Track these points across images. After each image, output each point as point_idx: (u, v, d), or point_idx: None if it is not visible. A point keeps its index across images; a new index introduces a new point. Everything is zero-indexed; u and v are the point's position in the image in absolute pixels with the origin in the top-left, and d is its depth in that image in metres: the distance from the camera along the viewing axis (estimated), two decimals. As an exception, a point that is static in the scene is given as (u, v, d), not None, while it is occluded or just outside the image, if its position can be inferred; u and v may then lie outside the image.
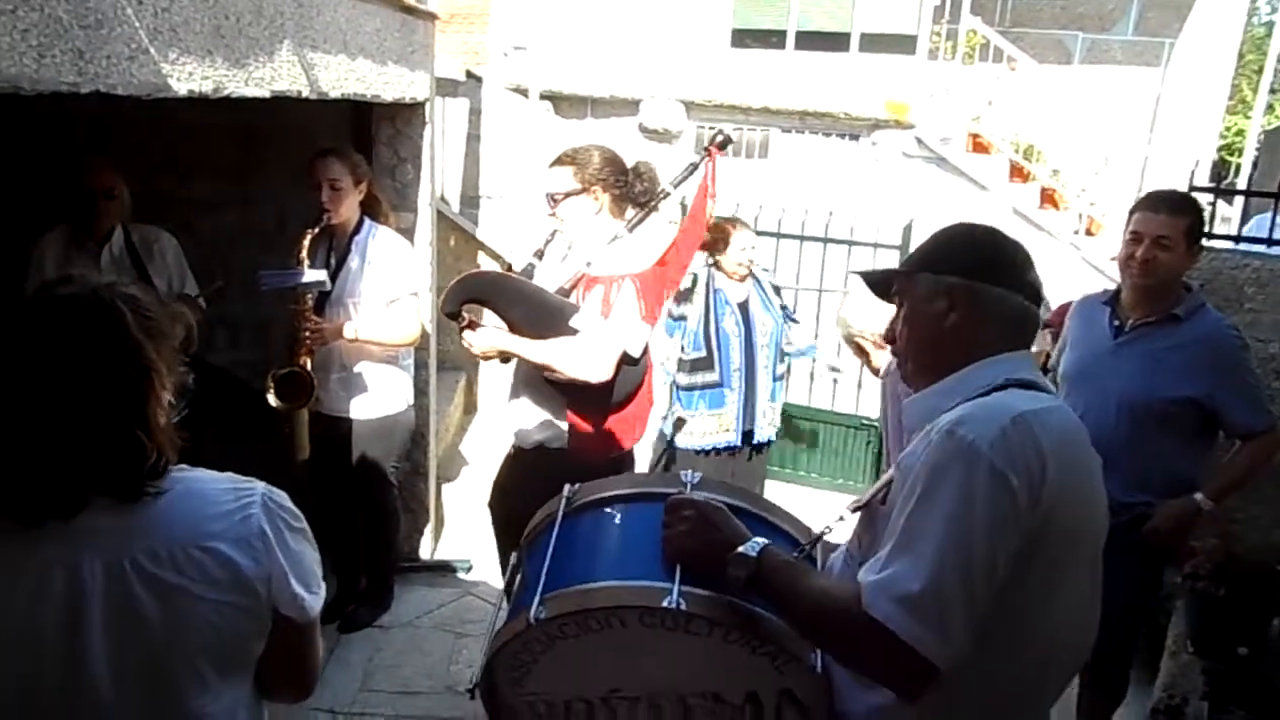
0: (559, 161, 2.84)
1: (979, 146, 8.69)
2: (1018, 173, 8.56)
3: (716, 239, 4.17)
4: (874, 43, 8.83)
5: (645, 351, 2.85)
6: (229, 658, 1.31)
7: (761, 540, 1.42)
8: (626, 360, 2.74)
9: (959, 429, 1.33)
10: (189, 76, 2.02)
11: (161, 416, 1.26)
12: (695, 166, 3.00)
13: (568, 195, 2.79)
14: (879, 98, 8.53)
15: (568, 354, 2.68)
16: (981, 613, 1.28)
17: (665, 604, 1.39)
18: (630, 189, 2.86)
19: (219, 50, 2.13)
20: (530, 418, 2.91)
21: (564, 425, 2.85)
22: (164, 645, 1.23)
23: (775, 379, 4.30)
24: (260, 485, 1.35)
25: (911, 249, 1.74)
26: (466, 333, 2.83)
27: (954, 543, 1.27)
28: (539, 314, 2.73)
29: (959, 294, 1.50)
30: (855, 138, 8.81)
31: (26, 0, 1.52)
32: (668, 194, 2.97)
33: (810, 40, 8.92)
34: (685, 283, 4.28)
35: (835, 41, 8.89)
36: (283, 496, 1.37)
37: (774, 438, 4.44)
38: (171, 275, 3.52)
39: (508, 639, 1.53)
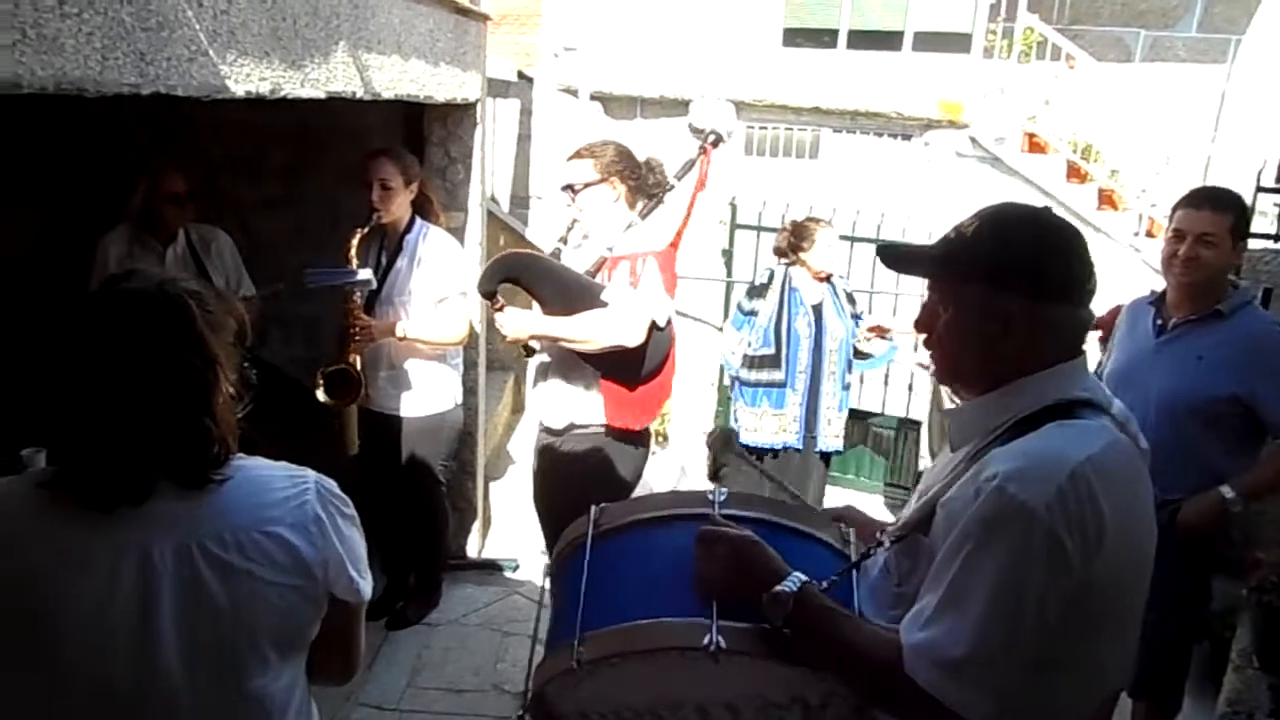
0: (578, 155, 2.99)
1: (1035, 146, 8.53)
2: (1075, 173, 8.38)
3: (800, 238, 4.12)
4: (928, 41, 8.71)
5: (669, 323, 2.99)
6: (289, 639, 1.35)
7: (798, 578, 1.35)
8: (654, 328, 2.89)
9: (1010, 487, 1.24)
10: (247, 78, 2.04)
11: (224, 406, 1.30)
12: (693, 163, 3.20)
13: (587, 185, 2.94)
14: (932, 97, 8.41)
15: (602, 322, 2.81)
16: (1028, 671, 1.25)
17: (705, 643, 1.35)
18: (644, 181, 3.03)
19: (276, 52, 2.16)
20: (559, 400, 3.03)
21: (593, 404, 2.97)
22: (230, 626, 1.26)
23: (843, 387, 4.24)
24: (312, 473, 1.40)
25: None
26: (498, 315, 2.94)
27: (1002, 609, 1.22)
28: (570, 291, 2.87)
29: (1019, 317, 1.36)
30: (907, 138, 8.70)
31: (92, 4, 1.54)
32: (673, 186, 3.15)
33: (863, 39, 8.82)
34: (761, 278, 4.27)
35: (888, 40, 8.78)
36: (333, 484, 1.41)
37: (840, 449, 4.38)
38: (229, 274, 3.59)
39: (552, 675, 1.51)
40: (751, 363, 4.18)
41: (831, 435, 4.24)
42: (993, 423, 1.37)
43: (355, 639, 1.48)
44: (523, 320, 2.92)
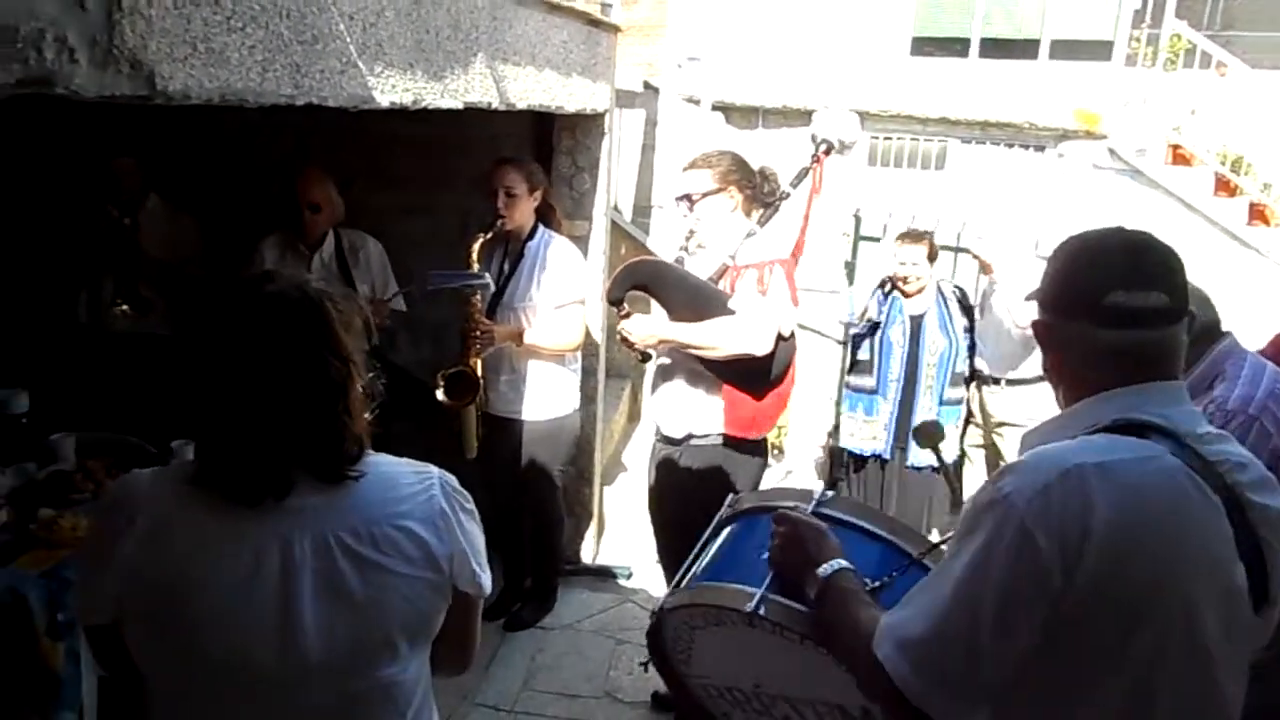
0: (694, 165, 3.01)
1: (1179, 158, 8.10)
2: (1224, 186, 7.92)
3: (894, 250, 4.14)
4: (1065, 49, 8.40)
5: (792, 334, 2.98)
6: (418, 630, 1.38)
7: (838, 563, 1.44)
8: (779, 337, 2.88)
9: (1002, 479, 1.24)
10: (392, 89, 2.11)
11: (358, 404, 1.35)
12: (807, 171, 3.20)
13: (704, 195, 2.95)
14: (1068, 107, 8.10)
15: (732, 330, 2.80)
16: (1000, 678, 1.20)
17: (747, 607, 1.50)
18: (759, 189, 3.03)
19: (419, 64, 2.22)
20: (678, 407, 3.03)
21: (712, 413, 2.96)
22: (364, 616, 1.30)
23: (942, 402, 4.14)
24: (436, 469, 1.44)
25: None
26: (624, 322, 2.95)
27: (964, 594, 1.21)
28: (699, 298, 2.88)
29: (1047, 333, 1.40)
30: (1040, 149, 8.40)
31: (255, 19, 1.62)
32: (788, 194, 3.14)
33: (996, 47, 8.58)
34: (868, 288, 4.29)
35: (1023, 49, 8.51)
36: (454, 480, 1.45)
37: (936, 465, 4.26)
38: (375, 280, 3.72)
39: (652, 625, 1.75)
40: (853, 369, 4.22)
41: (926, 451, 4.15)
42: (1056, 440, 1.32)
43: (473, 632, 1.52)
44: (651, 326, 2.93)
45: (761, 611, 1.49)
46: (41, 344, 3.73)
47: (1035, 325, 1.43)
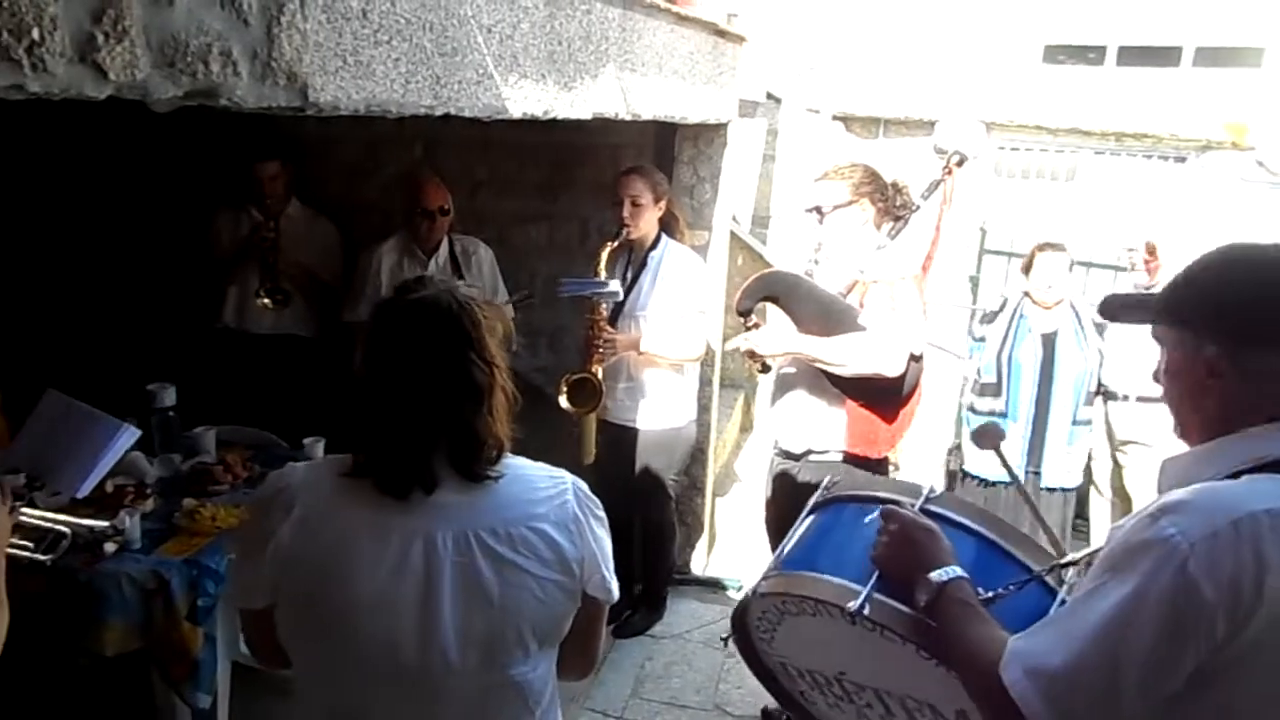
0: (827, 176, 2.94)
1: (1336, 172, 7.61)
2: (1385, 202, 7.41)
3: (1029, 262, 3.98)
4: (1211, 57, 8.00)
5: (922, 354, 2.92)
6: (548, 631, 1.41)
7: (952, 570, 1.38)
8: (911, 358, 2.82)
9: (1164, 518, 1.14)
10: (524, 99, 2.15)
11: (501, 407, 1.38)
12: (938, 184, 3.15)
13: (837, 207, 2.89)
14: (1213, 117, 7.70)
15: (865, 349, 2.74)
16: None
17: (850, 605, 1.45)
18: (891, 202, 2.96)
19: (551, 74, 2.26)
20: (799, 421, 2.98)
21: (833, 429, 2.91)
22: (499, 613, 1.33)
23: (1075, 422, 3.98)
24: (569, 475, 1.47)
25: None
26: (751, 334, 2.92)
27: (1111, 634, 1.13)
28: (829, 313, 2.82)
29: (1224, 366, 1.24)
30: (1181, 160, 8.01)
31: (400, 32, 1.67)
32: (918, 207, 3.08)
33: (1134, 55, 8.22)
34: (994, 304, 4.14)
35: (1164, 56, 8.14)
36: (586, 486, 1.47)
37: (1070, 486, 4.10)
38: (485, 285, 3.80)
39: (742, 602, 1.73)
40: (978, 390, 4.07)
41: (1062, 471, 3.97)
42: (1202, 475, 1.23)
43: (597, 637, 1.55)
44: (779, 339, 2.88)
45: (866, 611, 1.45)
46: (186, 343, 3.93)
47: (1203, 356, 1.27)
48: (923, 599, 1.38)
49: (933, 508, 1.60)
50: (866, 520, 1.61)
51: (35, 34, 1.04)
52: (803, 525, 1.79)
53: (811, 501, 1.82)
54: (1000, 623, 1.31)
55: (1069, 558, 1.51)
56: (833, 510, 1.77)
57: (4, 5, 1.01)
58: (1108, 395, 4.11)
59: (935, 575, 1.38)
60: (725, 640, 1.80)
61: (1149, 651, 1.11)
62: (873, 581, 1.48)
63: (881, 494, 1.69)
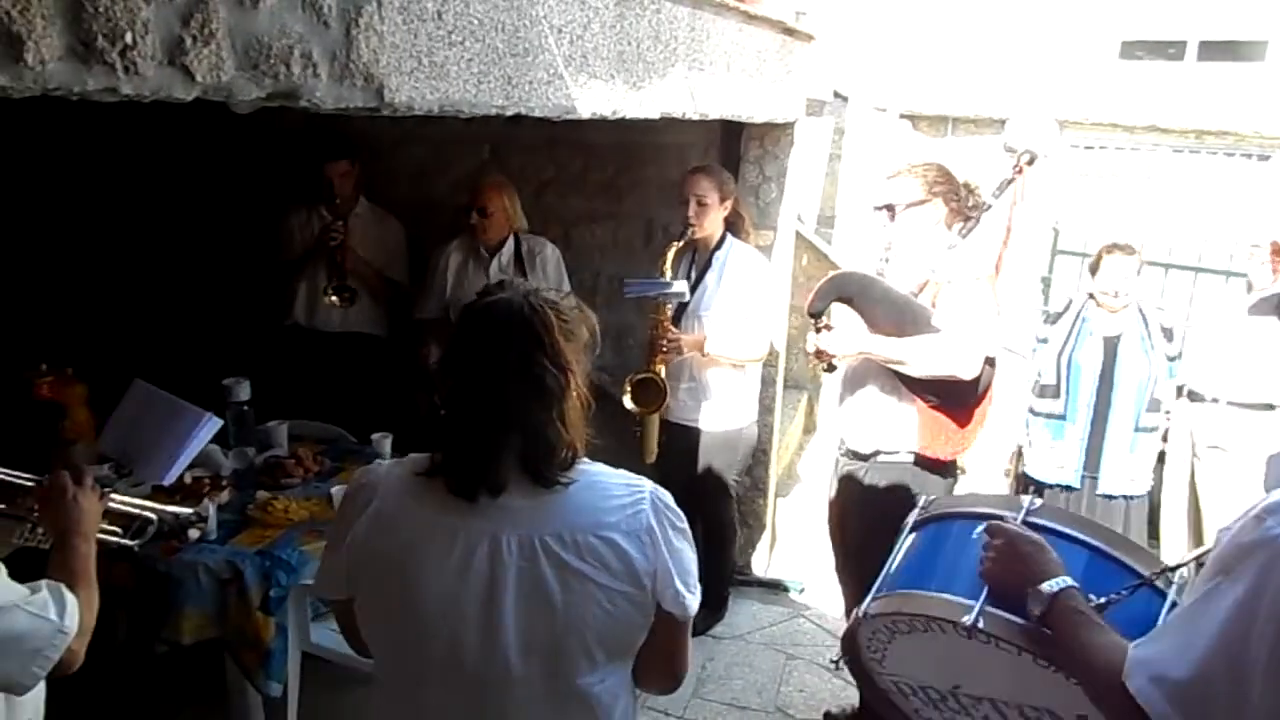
0: (901, 173, 2.90)
1: None
2: None
3: (1095, 263, 3.88)
4: (1298, 50, 7.70)
5: (995, 356, 2.87)
6: (617, 643, 1.38)
7: (1063, 581, 1.39)
8: (986, 360, 2.78)
9: (1270, 518, 1.14)
10: (593, 99, 2.15)
11: (575, 412, 1.37)
12: (1009, 183, 3.08)
13: (910, 205, 2.84)
14: (1300, 113, 7.43)
15: (940, 351, 2.70)
16: None
17: (964, 620, 1.48)
18: (964, 202, 2.91)
19: (620, 74, 2.26)
20: (868, 421, 2.94)
21: (903, 430, 2.86)
22: (563, 621, 1.32)
23: (1139, 428, 3.86)
24: (649, 483, 1.43)
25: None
26: (823, 334, 2.87)
27: (1230, 638, 1.14)
28: (903, 314, 2.78)
29: None
30: (1265, 158, 7.73)
31: (473, 33, 1.69)
32: (989, 206, 3.01)
33: (1216, 50, 7.95)
34: (1059, 305, 4.05)
35: (1247, 51, 7.86)
36: (668, 496, 1.43)
37: (1135, 494, 3.99)
38: (549, 284, 3.82)
39: (851, 626, 1.75)
40: (1038, 391, 3.98)
41: (1123, 477, 3.87)
42: None
43: (679, 651, 1.48)
44: (852, 340, 2.83)
45: (981, 625, 1.47)
46: (259, 340, 4.03)
47: None
48: (1036, 610, 1.40)
49: (1034, 519, 1.62)
50: (973, 536, 1.62)
51: (128, 38, 1.07)
52: (905, 544, 1.80)
53: (910, 520, 1.84)
54: (1115, 628, 1.33)
55: (1178, 560, 1.51)
56: (934, 528, 1.79)
57: (99, 10, 1.04)
58: (1193, 397, 3.98)
59: (1047, 586, 1.39)
60: (835, 664, 1.85)
61: (1271, 650, 1.11)
62: (984, 596, 1.50)
63: (983, 509, 1.70)
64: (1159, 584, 1.50)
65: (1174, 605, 1.44)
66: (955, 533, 1.72)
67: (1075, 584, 1.40)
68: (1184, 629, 1.21)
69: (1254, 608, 1.12)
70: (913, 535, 1.82)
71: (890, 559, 1.79)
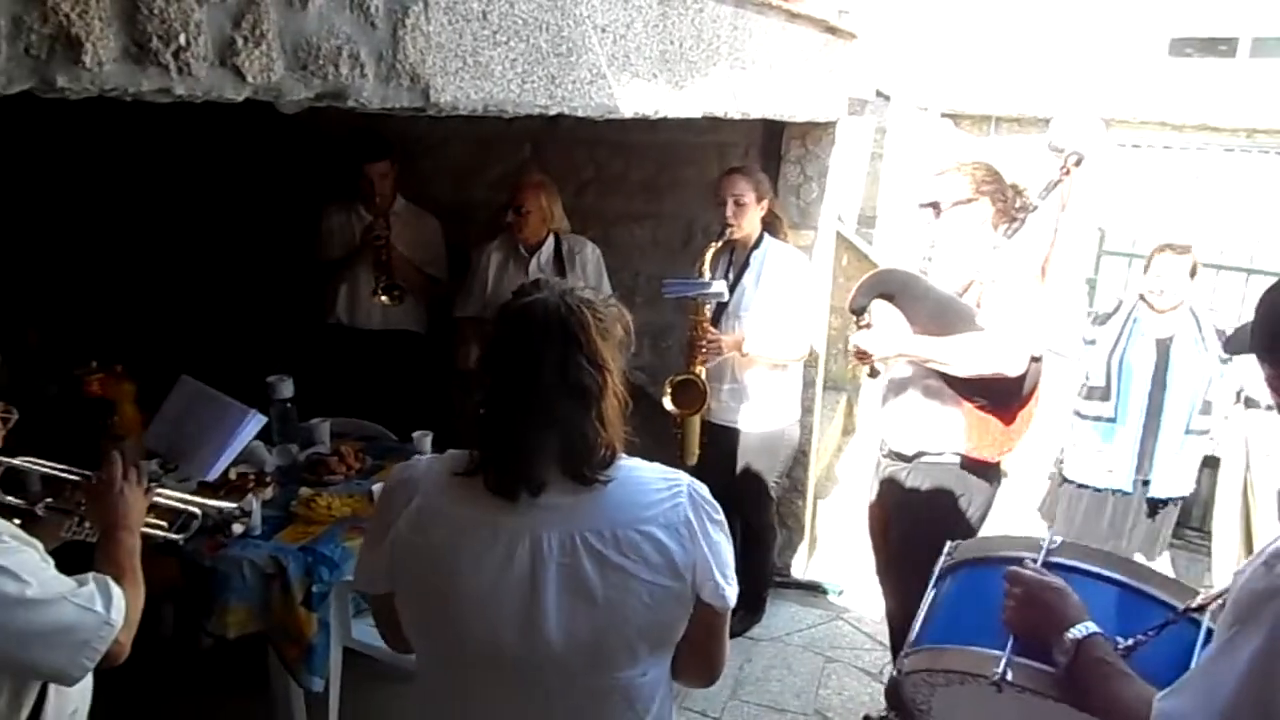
0: (948, 171, 2.87)
1: None
2: None
3: (1149, 263, 3.81)
4: (1355, 46, 7.51)
5: (1041, 355, 2.83)
6: (657, 636, 1.39)
7: (1086, 628, 1.39)
8: (1031, 358, 2.74)
9: (1278, 564, 1.16)
10: (636, 99, 2.15)
11: (613, 411, 1.37)
12: (1055, 184, 3.05)
13: (957, 204, 2.81)
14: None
15: (985, 349, 2.65)
16: None
17: (992, 673, 1.47)
18: (1010, 203, 2.87)
19: (662, 74, 2.26)
20: (912, 423, 2.90)
21: (948, 431, 2.83)
22: (603, 616, 1.33)
23: (1189, 431, 3.79)
24: (686, 477, 1.43)
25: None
26: (863, 333, 2.84)
27: (1249, 691, 1.15)
28: (946, 313, 2.75)
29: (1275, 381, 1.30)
30: (1319, 158, 7.55)
31: (518, 33, 1.69)
32: (1035, 207, 2.97)
33: (1269, 46, 7.77)
34: (1108, 306, 3.98)
35: (1302, 47, 7.68)
36: (705, 489, 1.44)
37: (1181, 496, 3.91)
38: (589, 283, 3.82)
39: (892, 681, 1.76)
40: (1085, 393, 3.91)
41: (1170, 481, 3.80)
42: None
43: (718, 644, 1.49)
44: (894, 340, 2.79)
45: (1009, 677, 1.46)
46: (300, 337, 4.07)
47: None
48: (1061, 659, 1.39)
49: (1055, 559, 1.59)
50: (996, 582, 1.60)
51: (182, 39, 1.09)
52: (931, 596, 1.79)
53: (936, 570, 1.82)
54: (1144, 670, 1.33)
55: (1202, 598, 1.47)
56: (958, 577, 1.78)
57: (154, 12, 1.05)
58: (1249, 403, 3.90)
59: (1071, 634, 1.39)
60: (884, 718, 1.81)
61: None
62: (1009, 646, 1.49)
63: (1002, 553, 1.69)
64: (1196, 616, 1.47)
65: (1209, 632, 1.41)
66: (980, 580, 1.70)
67: (1098, 630, 1.39)
68: (1206, 680, 1.21)
69: (1270, 657, 1.13)
70: (940, 584, 1.80)
71: (920, 611, 1.77)
